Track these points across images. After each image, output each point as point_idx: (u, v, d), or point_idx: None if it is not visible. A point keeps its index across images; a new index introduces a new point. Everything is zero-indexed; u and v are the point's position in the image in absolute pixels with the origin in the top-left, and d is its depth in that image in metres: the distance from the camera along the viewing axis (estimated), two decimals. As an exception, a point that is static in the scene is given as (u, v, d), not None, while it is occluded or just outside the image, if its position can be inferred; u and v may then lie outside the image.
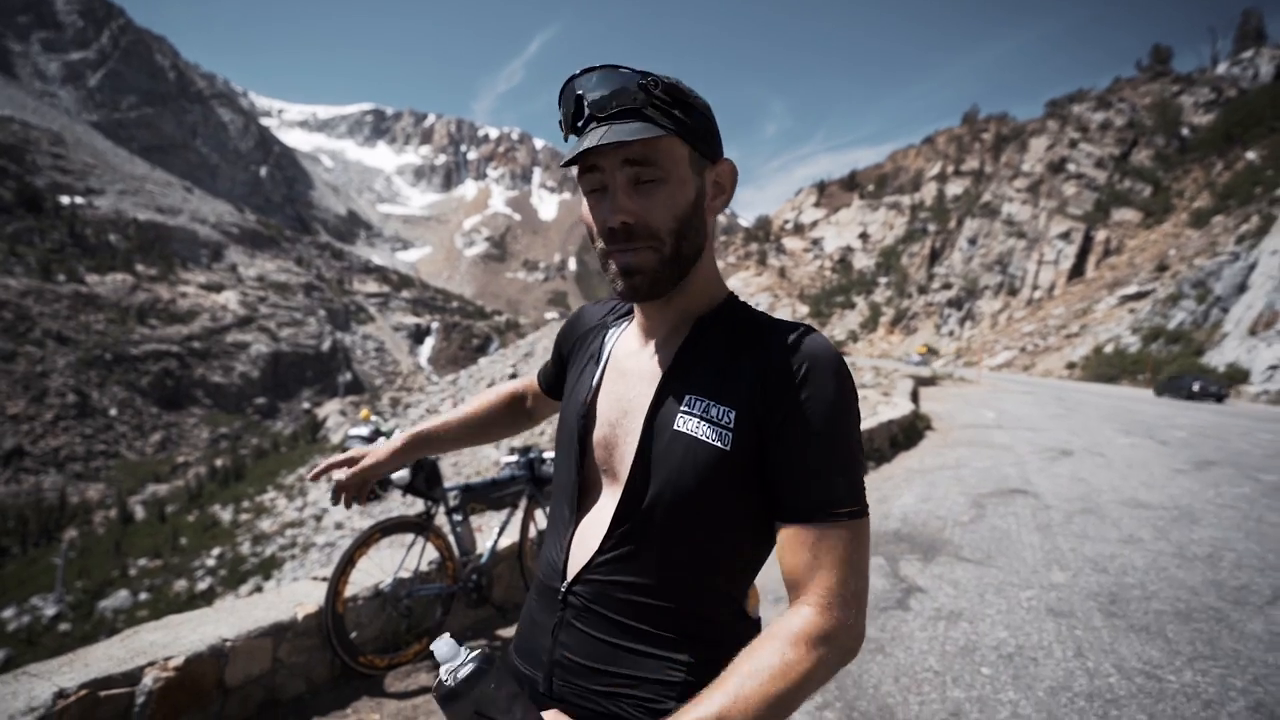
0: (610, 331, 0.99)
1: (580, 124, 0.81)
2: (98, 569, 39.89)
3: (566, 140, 0.84)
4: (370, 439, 2.96)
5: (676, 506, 0.80)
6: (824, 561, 0.75)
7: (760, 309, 0.90)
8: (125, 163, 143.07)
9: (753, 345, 0.83)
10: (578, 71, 0.81)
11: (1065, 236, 56.65)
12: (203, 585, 32.79)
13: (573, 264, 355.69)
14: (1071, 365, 35.01)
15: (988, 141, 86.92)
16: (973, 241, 65.80)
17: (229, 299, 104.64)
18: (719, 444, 0.78)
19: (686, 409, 0.81)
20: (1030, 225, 61.23)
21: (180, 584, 34.00)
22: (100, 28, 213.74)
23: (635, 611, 0.81)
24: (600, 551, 0.83)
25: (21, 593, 38.48)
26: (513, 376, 31.82)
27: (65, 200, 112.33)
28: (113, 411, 73.05)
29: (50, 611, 35.09)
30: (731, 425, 0.78)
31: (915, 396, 14.68)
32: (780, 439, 0.77)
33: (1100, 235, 54.85)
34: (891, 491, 6.39)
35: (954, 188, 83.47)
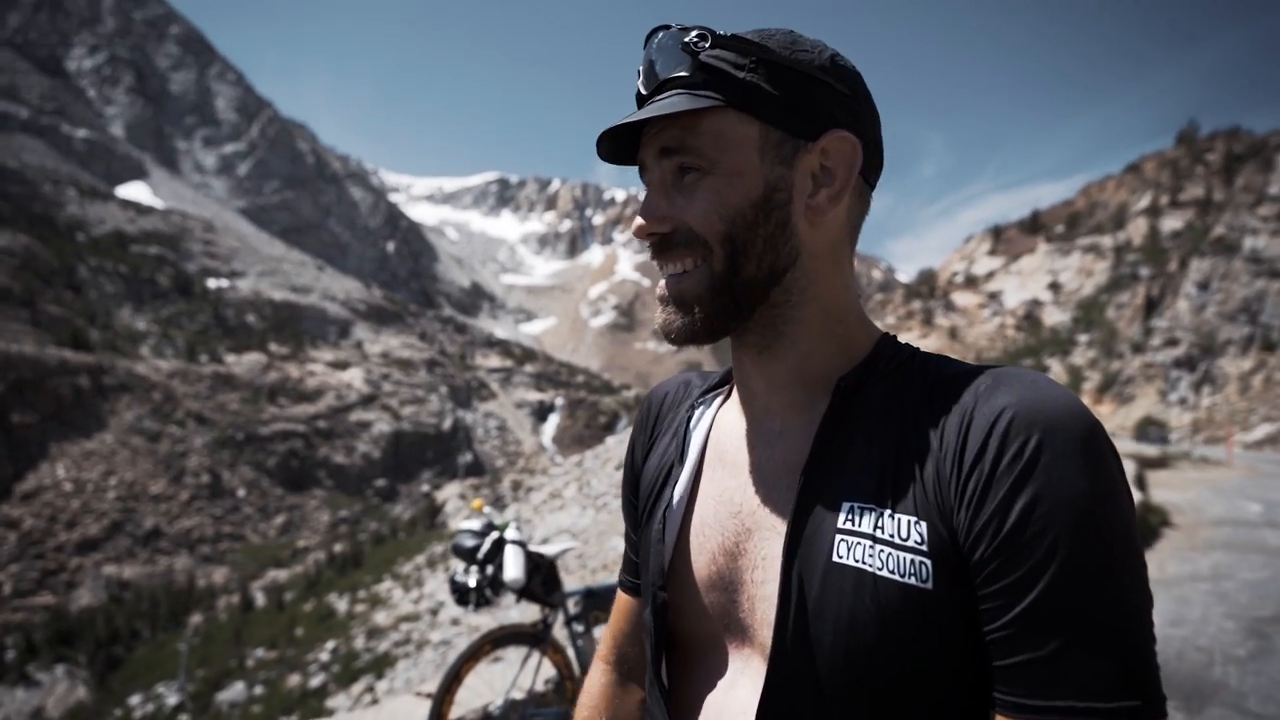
0: (699, 411, 0.78)
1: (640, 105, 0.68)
2: (218, 657, 43.65)
3: None
4: (483, 533, 2.94)
5: (859, 687, 0.56)
6: None
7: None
8: (265, 245, 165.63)
9: (937, 413, 0.59)
10: (646, 35, 0.67)
11: (1339, 274, 49.72)
12: (315, 682, 34.79)
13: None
14: (1367, 442, 29.87)
15: (1214, 163, 79.55)
16: (1204, 286, 59.47)
17: (354, 376, 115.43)
18: (912, 579, 0.55)
19: (848, 525, 0.58)
20: (1285, 262, 54.46)
21: (294, 678, 36.30)
22: (251, 121, 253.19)
23: None
24: None
25: (149, 678, 42.92)
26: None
27: (212, 284, 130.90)
28: (241, 492, 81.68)
29: (173, 701, 38.67)
30: (925, 546, 0.55)
31: (1142, 482, 13.07)
32: (992, 570, 0.53)
33: (1391, 271, 47.61)
34: (1127, 610, 5.52)
35: (1172, 222, 76.66)
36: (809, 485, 0.61)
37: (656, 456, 0.79)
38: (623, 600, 0.89)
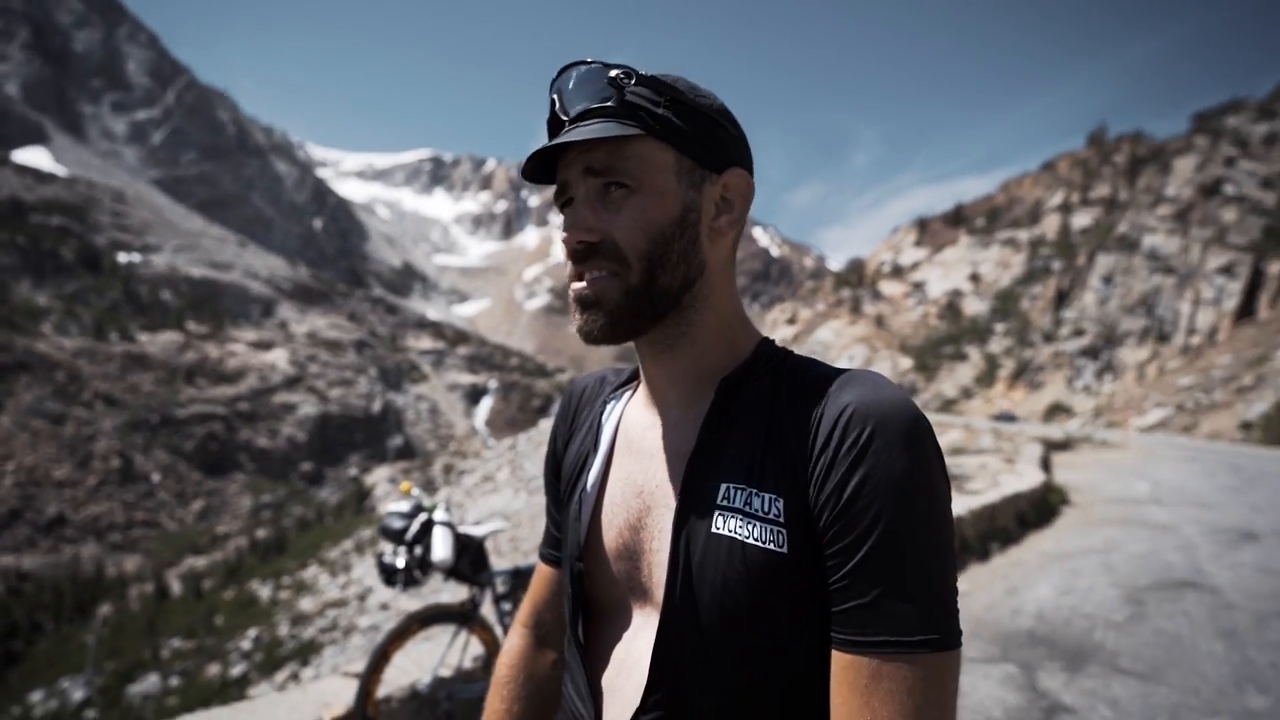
0: (610, 405, 0.88)
1: (557, 129, 0.75)
2: (129, 649, 41.75)
3: None
4: (411, 515, 2.96)
5: (733, 635, 0.68)
6: (882, 716, 0.61)
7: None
8: (182, 219, 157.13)
9: (797, 408, 0.71)
10: (558, 71, 0.75)
11: (1227, 271, 53.40)
12: (236, 671, 33.69)
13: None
14: (1247, 426, 32.36)
15: (1120, 164, 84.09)
16: (1108, 280, 63.02)
17: (278, 357, 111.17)
18: (771, 545, 0.66)
19: (724, 503, 0.70)
20: (1180, 259, 58.17)
21: (213, 668, 35.08)
22: (166, 86, 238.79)
23: None
24: (644, 706, 0.71)
25: (52, 673, 40.65)
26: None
27: (123, 258, 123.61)
28: (155, 477, 77.87)
29: (79, 695, 36.76)
30: (782, 518, 0.67)
31: (1047, 464, 13.87)
32: (831, 535, 0.65)
33: (1275, 268, 51.41)
34: (1023, 581, 5.93)
35: (1081, 219, 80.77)
36: (694, 469, 0.73)
37: (575, 445, 0.89)
38: (543, 570, 0.99)
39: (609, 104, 0.71)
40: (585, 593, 0.81)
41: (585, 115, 0.72)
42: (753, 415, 0.73)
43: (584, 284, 0.73)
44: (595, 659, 0.80)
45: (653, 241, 0.71)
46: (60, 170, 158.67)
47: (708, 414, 0.74)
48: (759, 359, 0.77)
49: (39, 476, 68.70)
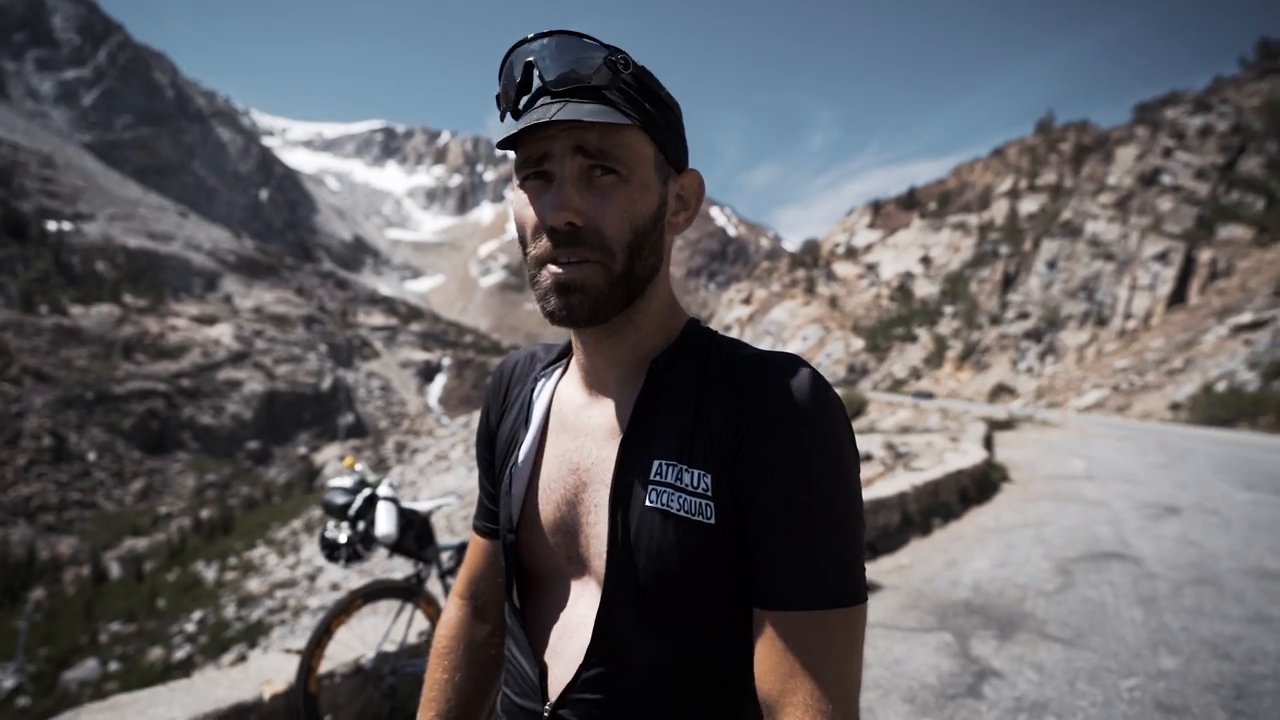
0: (540, 383, 0.91)
1: (526, 100, 0.74)
2: (65, 635, 40.42)
3: (503, 120, 0.76)
4: (354, 490, 2.93)
5: (668, 598, 0.73)
6: (799, 665, 0.67)
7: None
8: (117, 186, 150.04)
9: (723, 389, 0.75)
10: (529, 35, 0.74)
11: (1162, 258, 55.55)
12: (180, 654, 32.95)
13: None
14: (1176, 406, 33.89)
15: (1066, 152, 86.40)
16: (1052, 265, 64.97)
17: (222, 333, 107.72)
18: (699, 517, 0.72)
19: (657, 478, 0.74)
20: (1120, 246, 60.27)
21: (156, 652, 34.24)
22: (97, 45, 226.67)
23: None
24: (587, 664, 0.76)
25: (-17, 659, 39.12)
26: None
27: (52, 226, 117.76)
28: (91, 456, 75.06)
29: (9, 684, 35.46)
30: (709, 492, 0.72)
31: (989, 442, 14.36)
32: (753, 508, 0.71)
33: (1205, 255, 53.65)
34: (962, 554, 6.16)
35: (1028, 205, 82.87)
36: (627, 446, 0.77)
37: (509, 422, 0.92)
38: (478, 542, 1.02)
39: (606, 87, 0.71)
40: (521, 562, 0.85)
41: (576, 92, 0.71)
42: (682, 395, 0.77)
43: (564, 269, 0.72)
44: (536, 624, 0.84)
45: (635, 233, 0.73)
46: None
47: (640, 393, 0.78)
48: (686, 340, 0.81)
49: (-36, 455, 65.66)
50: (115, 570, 52.69)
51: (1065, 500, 8.91)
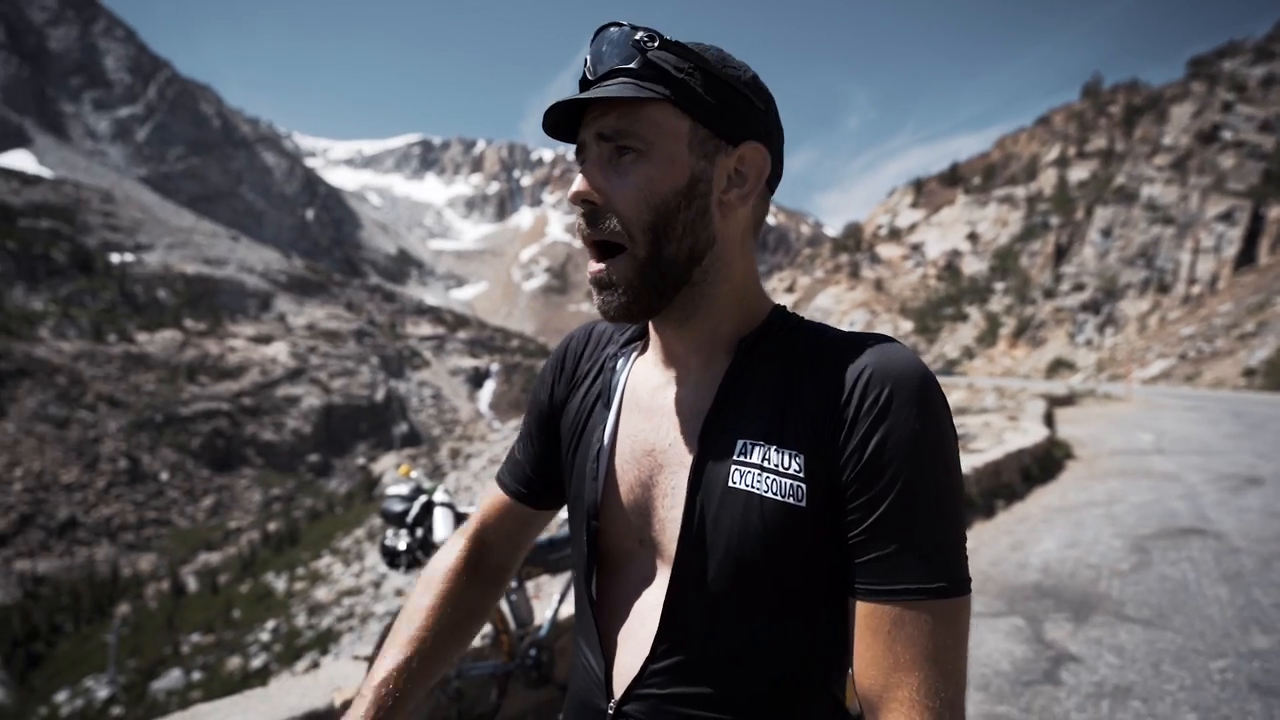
0: (619, 362, 0.88)
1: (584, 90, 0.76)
2: (150, 646, 42.27)
3: None
4: (411, 497, 2.97)
5: (745, 585, 0.70)
6: (904, 659, 0.64)
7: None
8: (173, 215, 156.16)
9: (815, 369, 0.73)
10: (596, 31, 0.76)
11: (1227, 218, 53.06)
12: (257, 662, 34.16)
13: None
14: (1250, 373, 32.36)
15: (1116, 115, 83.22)
16: (1107, 233, 62.71)
17: (278, 351, 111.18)
18: (790, 499, 0.69)
19: (741, 458, 0.72)
20: (1179, 208, 57.82)
21: (234, 661, 35.54)
22: (147, 82, 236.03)
23: None
24: (654, 656, 0.73)
25: (75, 674, 41.18)
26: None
27: (115, 258, 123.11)
28: (164, 476, 78.29)
29: (103, 694, 37.29)
30: (802, 474, 0.69)
31: (1050, 419, 13.92)
32: (853, 491, 0.68)
33: (1275, 212, 51.07)
34: (1028, 535, 5.97)
35: (1078, 172, 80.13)
36: (710, 425, 0.74)
37: (578, 399, 0.90)
38: (499, 498, 0.97)
39: (630, 65, 0.71)
40: (599, 549, 0.83)
41: (609, 76, 0.72)
42: (770, 375, 0.75)
43: (600, 267, 0.74)
44: (606, 611, 0.82)
45: (656, 212, 0.71)
46: (45, 172, 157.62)
47: (726, 372, 0.76)
48: (772, 323, 0.79)
49: (48, 481, 69.07)
50: (192, 584, 54.84)
51: (1135, 476, 8.58)
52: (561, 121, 0.75)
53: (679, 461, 0.77)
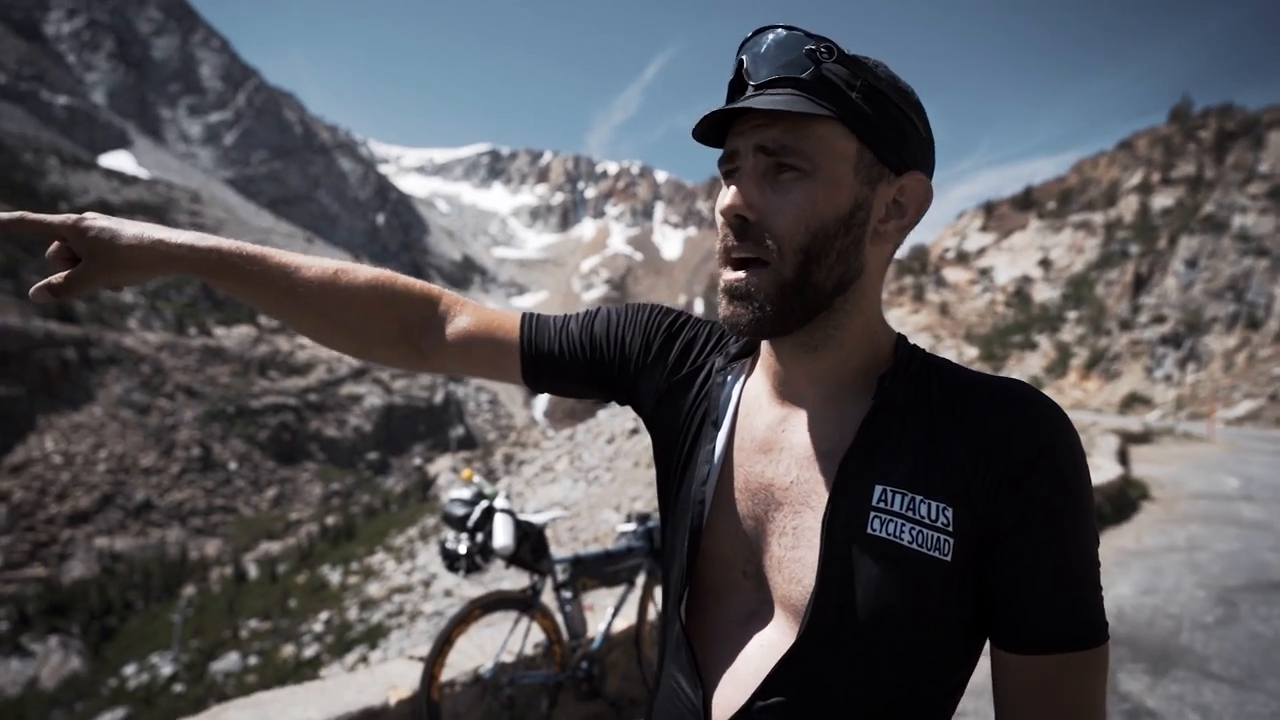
0: (728, 377, 0.83)
1: (734, 95, 0.70)
2: (212, 628, 43.95)
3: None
4: (472, 502, 3.00)
5: (880, 635, 0.67)
6: (1061, 708, 0.65)
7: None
8: (253, 216, 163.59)
9: (958, 417, 0.69)
10: (750, 33, 0.70)
11: (1325, 253, 50.05)
12: (309, 652, 35.09)
13: (699, 306, 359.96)
14: (1346, 418, 30.30)
15: (1206, 140, 79.45)
16: (1192, 264, 59.79)
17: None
18: (937, 554, 0.66)
19: (882, 506, 0.68)
20: (1274, 240, 54.86)
21: (288, 649, 36.61)
22: (237, 89, 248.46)
23: None
24: (763, 693, 0.70)
25: (143, 649, 43.17)
26: (634, 432, 30.36)
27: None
28: (232, 465, 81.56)
29: (167, 671, 38.98)
30: (950, 527, 0.66)
31: (1124, 457, 13.25)
32: (1010, 548, 0.66)
33: (1377, 249, 47.97)
34: (1101, 579, 5.67)
35: (1162, 199, 76.72)
36: (847, 469, 0.70)
37: (683, 402, 0.85)
38: (508, 324, 0.90)
39: (802, 77, 0.66)
40: (697, 571, 0.80)
41: (774, 84, 0.67)
42: (907, 418, 0.71)
43: (738, 275, 0.69)
44: (702, 639, 0.79)
45: (814, 236, 0.67)
46: (142, 173, 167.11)
47: (868, 414, 0.71)
48: (907, 359, 0.75)
49: (128, 464, 72.78)
50: (253, 571, 56.81)
51: (1219, 522, 8.09)
52: (711, 128, 0.71)
53: (802, 501, 0.73)
